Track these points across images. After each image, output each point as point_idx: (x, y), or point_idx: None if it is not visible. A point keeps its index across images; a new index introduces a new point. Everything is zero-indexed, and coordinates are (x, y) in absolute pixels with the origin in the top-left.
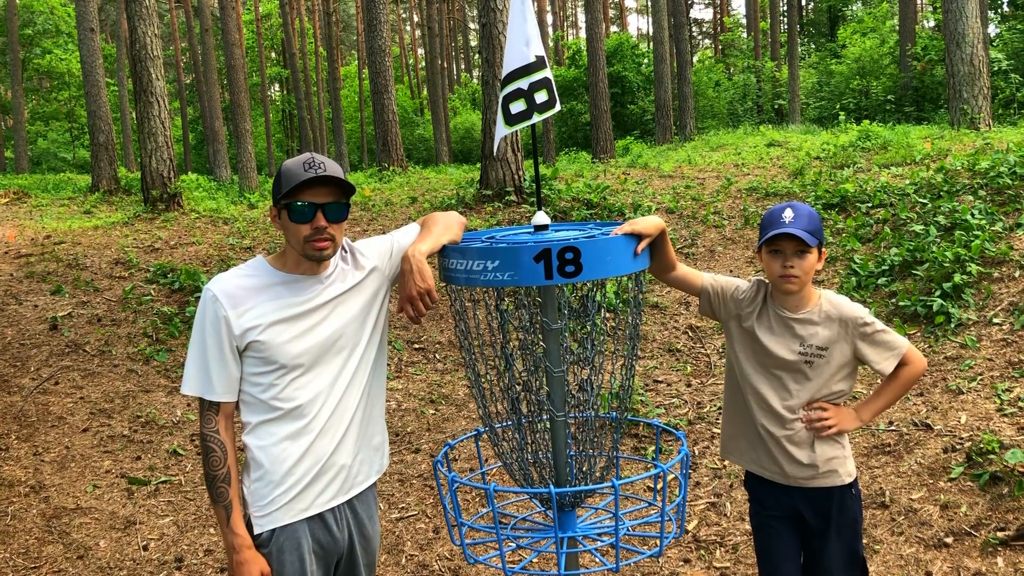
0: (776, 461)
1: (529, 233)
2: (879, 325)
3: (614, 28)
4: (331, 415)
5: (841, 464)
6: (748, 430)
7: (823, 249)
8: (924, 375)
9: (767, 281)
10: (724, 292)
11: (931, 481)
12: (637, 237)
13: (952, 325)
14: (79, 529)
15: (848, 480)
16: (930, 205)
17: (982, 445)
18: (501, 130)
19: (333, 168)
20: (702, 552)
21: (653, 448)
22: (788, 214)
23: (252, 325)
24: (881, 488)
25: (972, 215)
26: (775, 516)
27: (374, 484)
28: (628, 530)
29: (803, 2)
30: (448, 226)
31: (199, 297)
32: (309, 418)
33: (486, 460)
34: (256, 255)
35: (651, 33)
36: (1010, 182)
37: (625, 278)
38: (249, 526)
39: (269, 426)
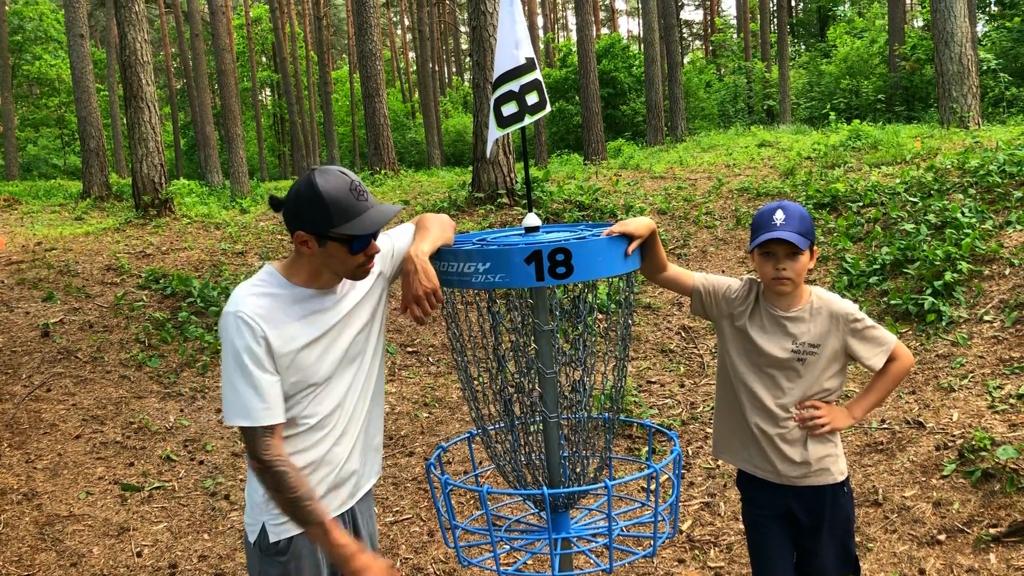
0: (769, 460)
1: (520, 235)
2: (868, 321)
3: (605, 30)
4: (347, 423)
5: (833, 462)
6: (741, 429)
7: (815, 248)
8: (914, 371)
9: (759, 280)
10: (716, 291)
11: (923, 479)
12: (627, 238)
13: (943, 323)
14: (72, 536)
15: (840, 478)
16: (920, 204)
17: (974, 442)
18: (494, 133)
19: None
20: (696, 552)
21: (646, 449)
22: (779, 216)
23: (290, 347)
24: (874, 486)
25: (962, 213)
26: (768, 515)
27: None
28: (622, 531)
29: (792, 3)
30: (443, 227)
31: (191, 302)
32: (327, 429)
33: (479, 462)
34: (265, 264)
35: (641, 35)
36: (999, 180)
37: (616, 279)
38: (264, 534)
39: (290, 440)
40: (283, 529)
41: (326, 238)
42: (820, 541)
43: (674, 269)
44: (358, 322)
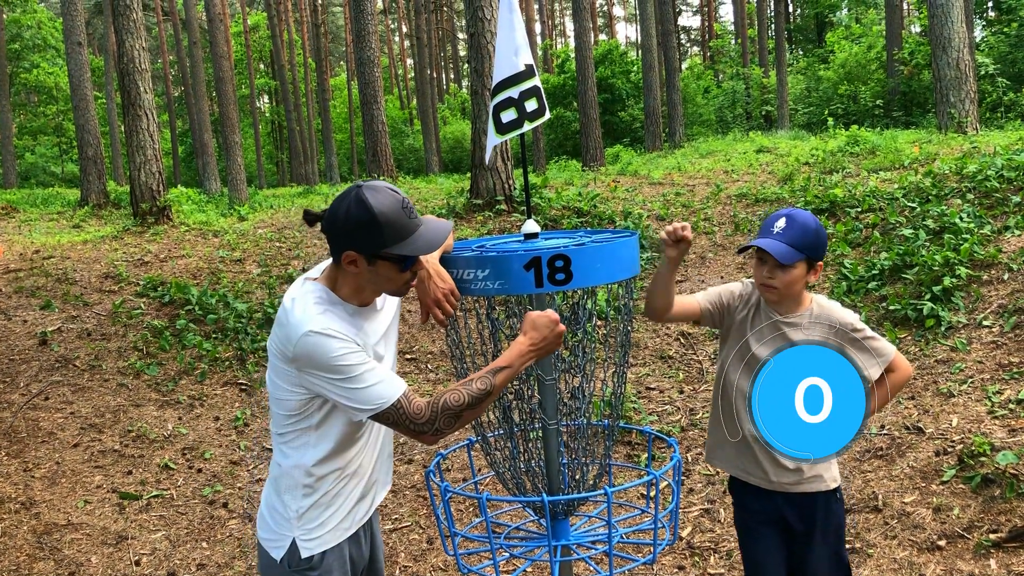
0: (761, 466)
1: (519, 242)
2: (868, 332)
3: (603, 36)
4: (372, 434)
5: (826, 470)
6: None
7: (818, 263)
8: (913, 377)
9: None
10: (720, 302)
11: (923, 484)
12: (676, 240)
13: (942, 328)
14: (70, 545)
15: (833, 486)
16: (919, 209)
17: (973, 447)
18: (493, 139)
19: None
20: (696, 559)
21: (646, 455)
22: (780, 224)
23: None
24: (874, 492)
25: (961, 218)
26: (760, 520)
27: None
28: (622, 537)
29: (790, 9)
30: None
31: (189, 310)
32: (363, 441)
33: (479, 470)
34: (303, 280)
35: (639, 41)
36: (998, 185)
37: (616, 285)
38: (294, 550)
39: (340, 454)
40: (316, 544)
41: (377, 258)
42: (812, 547)
43: (677, 301)
44: (390, 334)
